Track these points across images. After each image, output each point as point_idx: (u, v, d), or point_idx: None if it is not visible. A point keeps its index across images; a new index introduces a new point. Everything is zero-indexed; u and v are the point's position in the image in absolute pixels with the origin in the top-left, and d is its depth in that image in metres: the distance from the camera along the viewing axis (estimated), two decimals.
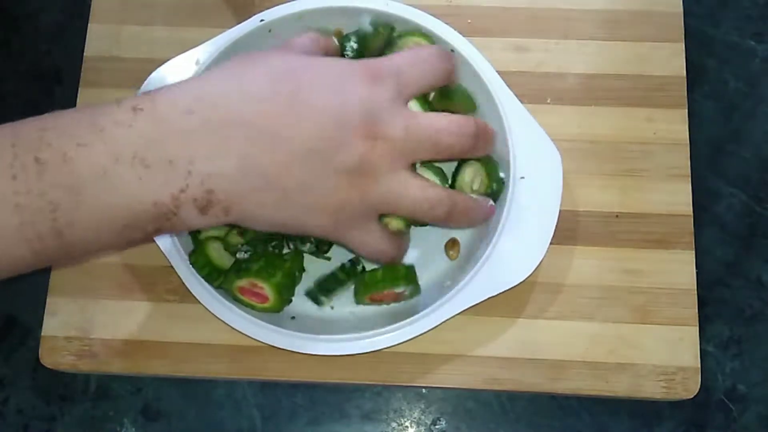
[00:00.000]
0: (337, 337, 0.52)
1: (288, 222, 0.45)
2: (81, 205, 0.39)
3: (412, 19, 0.57)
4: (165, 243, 0.53)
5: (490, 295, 0.51)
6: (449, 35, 0.57)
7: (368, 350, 0.51)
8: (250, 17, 0.58)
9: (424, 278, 0.55)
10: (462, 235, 0.56)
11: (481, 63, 0.56)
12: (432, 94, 0.54)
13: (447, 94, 0.54)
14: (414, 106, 0.51)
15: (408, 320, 0.51)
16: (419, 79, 0.47)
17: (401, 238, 0.51)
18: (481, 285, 0.52)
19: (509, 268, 0.52)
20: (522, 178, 0.54)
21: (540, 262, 0.52)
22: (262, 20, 0.57)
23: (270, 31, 0.58)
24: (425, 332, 0.51)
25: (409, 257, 0.55)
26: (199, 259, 0.52)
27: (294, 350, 0.51)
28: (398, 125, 0.44)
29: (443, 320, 0.51)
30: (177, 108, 0.41)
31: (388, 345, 0.51)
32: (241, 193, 0.42)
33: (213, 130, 0.40)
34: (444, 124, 0.46)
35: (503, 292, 0.51)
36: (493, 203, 0.52)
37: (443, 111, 0.50)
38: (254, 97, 0.42)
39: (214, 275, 0.52)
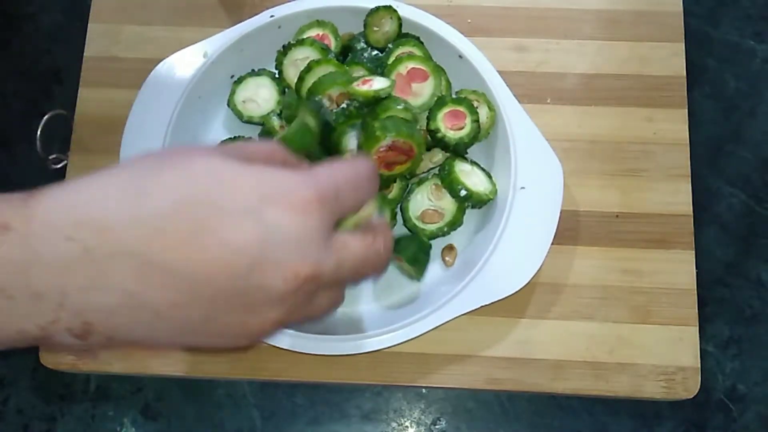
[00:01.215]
0: (337, 337, 0.52)
1: (188, 345, 0.41)
2: None
3: (416, 21, 0.57)
4: None
5: (486, 303, 0.52)
6: (453, 37, 0.57)
7: (368, 350, 0.51)
8: (251, 16, 0.58)
9: (422, 283, 0.55)
10: (459, 242, 0.56)
11: (488, 70, 0.56)
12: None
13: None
14: None
15: (407, 321, 0.51)
16: (354, 201, 0.40)
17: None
18: (477, 292, 0.52)
19: (506, 277, 0.52)
20: (522, 188, 0.54)
21: (536, 272, 0.52)
22: (272, 16, 0.58)
23: (280, 27, 0.58)
24: (424, 333, 0.51)
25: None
26: None
27: (294, 350, 0.51)
28: (328, 262, 0.37)
29: (440, 323, 0.51)
30: (53, 232, 0.34)
31: (388, 345, 0.51)
32: (125, 326, 0.36)
33: (94, 261, 0.34)
34: (371, 254, 0.40)
35: (499, 300, 0.52)
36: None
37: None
38: (151, 223, 0.34)
39: None
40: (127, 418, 0.57)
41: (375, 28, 0.57)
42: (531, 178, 0.54)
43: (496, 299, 0.52)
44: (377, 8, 0.57)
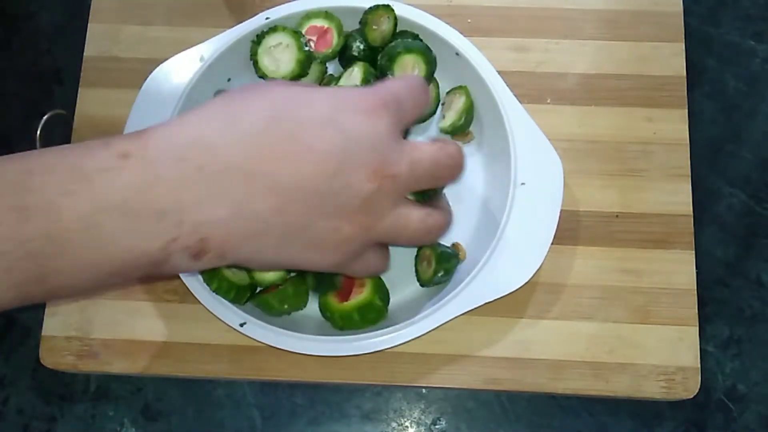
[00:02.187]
0: (337, 338, 0.52)
1: (288, 263, 0.43)
2: (65, 255, 0.37)
3: (415, 20, 0.57)
4: None
5: (487, 301, 0.51)
6: (453, 37, 0.57)
7: (368, 351, 0.51)
8: (251, 16, 0.58)
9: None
10: (463, 240, 0.56)
11: (485, 66, 0.56)
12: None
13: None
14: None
15: (407, 321, 0.51)
16: (414, 107, 0.45)
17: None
18: (479, 290, 0.52)
19: (508, 274, 0.52)
20: (522, 184, 0.54)
21: (538, 269, 0.52)
22: (267, 18, 0.58)
23: None
24: (424, 334, 0.51)
25: (408, 262, 0.55)
26: (222, 284, 0.51)
27: (295, 351, 0.51)
28: (403, 162, 0.42)
29: (440, 324, 0.51)
30: (168, 154, 0.38)
31: (388, 346, 0.51)
32: (237, 239, 0.40)
33: (206, 177, 0.38)
34: (441, 156, 0.44)
35: (499, 298, 0.52)
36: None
37: None
38: (249, 140, 0.39)
39: (240, 294, 0.52)
40: (127, 418, 0.57)
41: (374, 27, 0.57)
42: (531, 174, 0.54)
43: (498, 296, 0.51)
44: (377, 6, 0.57)
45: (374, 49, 0.58)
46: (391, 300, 0.54)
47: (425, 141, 0.44)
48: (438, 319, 0.51)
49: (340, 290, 0.52)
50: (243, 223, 0.40)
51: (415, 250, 0.55)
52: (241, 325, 0.52)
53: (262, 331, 0.51)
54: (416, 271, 0.54)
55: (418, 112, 0.45)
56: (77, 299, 0.57)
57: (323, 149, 0.40)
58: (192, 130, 0.40)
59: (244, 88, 0.43)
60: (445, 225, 0.47)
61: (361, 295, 0.51)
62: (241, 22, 0.59)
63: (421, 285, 0.54)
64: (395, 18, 0.57)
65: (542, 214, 0.53)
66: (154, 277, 0.54)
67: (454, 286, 0.52)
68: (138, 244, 0.38)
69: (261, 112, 0.40)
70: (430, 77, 0.56)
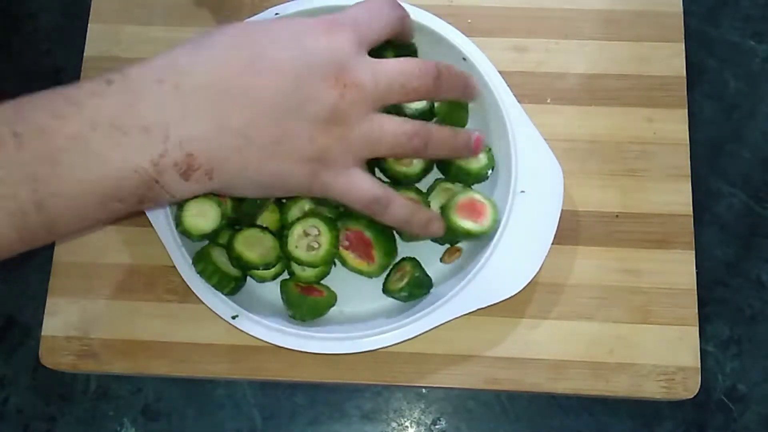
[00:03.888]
0: (336, 336, 0.52)
1: (271, 180, 0.45)
2: (61, 175, 0.39)
3: (417, 20, 0.57)
4: (168, 243, 0.53)
5: (483, 306, 0.51)
6: (455, 37, 0.57)
7: (367, 349, 0.51)
8: (249, 17, 0.58)
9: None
10: (461, 243, 0.56)
11: (490, 72, 0.56)
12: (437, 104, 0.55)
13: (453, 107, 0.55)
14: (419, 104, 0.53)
15: (407, 320, 0.51)
16: (376, 27, 0.48)
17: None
18: (475, 294, 0.52)
19: (504, 279, 0.52)
20: (522, 192, 0.54)
21: (534, 276, 0.52)
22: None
23: None
24: (424, 333, 0.51)
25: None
26: (207, 267, 0.51)
27: (295, 349, 0.51)
28: (365, 71, 0.45)
29: (440, 323, 0.51)
30: (147, 78, 0.42)
31: (388, 345, 0.51)
32: (221, 154, 0.43)
33: (184, 95, 0.41)
34: (408, 68, 0.47)
35: (494, 304, 0.51)
36: (479, 135, 0.52)
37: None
38: (219, 61, 0.43)
39: (224, 282, 0.52)
40: (127, 418, 0.57)
41: None
42: (531, 182, 0.54)
43: (493, 302, 0.52)
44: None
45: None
46: (387, 301, 0.54)
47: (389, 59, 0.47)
48: (438, 319, 0.51)
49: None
50: (224, 138, 0.42)
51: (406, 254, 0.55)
52: (233, 317, 0.52)
53: (263, 330, 0.51)
54: (388, 274, 0.55)
55: (382, 28, 0.48)
56: (82, 234, 0.56)
57: (285, 64, 0.43)
58: (167, 57, 0.43)
59: (214, 28, 0.46)
60: (425, 133, 0.48)
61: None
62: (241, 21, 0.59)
63: (383, 290, 0.55)
64: None
65: (541, 221, 0.53)
66: (155, 208, 0.54)
67: (452, 288, 0.52)
68: (129, 160, 0.40)
69: (227, 38, 0.44)
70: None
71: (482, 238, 0.53)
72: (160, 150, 0.41)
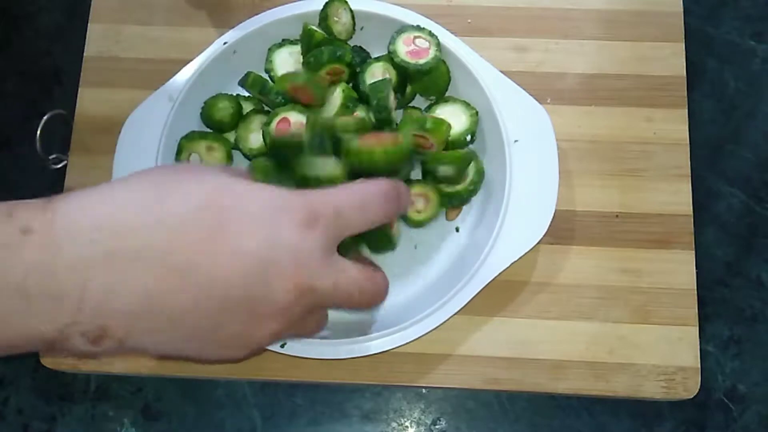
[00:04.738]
0: (337, 341, 0.52)
1: (193, 356, 0.40)
2: None
3: (369, 10, 0.58)
4: None
5: (508, 265, 0.52)
6: (404, 16, 0.58)
7: (369, 353, 0.51)
8: (249, 17, 0.59)
9: (428, 275, 0.55)
10: (466, 208, 0.57)
11: (454, 42, 0.57)
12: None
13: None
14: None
15: (410, 321, 0.51)
16: (359, 224, 0.41)
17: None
18: (497, 255, 0.52)
19: (520, 235, 0.53)
20: (516, 141, 0.54)
21: (548, 226, 0.53)
22: (225, 43, 0.58)
23: (235, 52, 0.58)
24: (424, 334, 0.51)
25: (409, 253, 0.55)
26: None
27: (295, 355, 0.51)
28: (328, 281, 0.39)
29: (479, 289, 0.52)
30: (76, 235, 0.35)
31: (390, 347, 0.51)
32: (140, 331, 0.37)
33: (116, 262, 0.35)
34: (368, 286, 0.42)
35: (520, 258, 0.52)
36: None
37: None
38: (171, 227, 0.36)
39: None
40: (127, 418, 0.57)
41: (335, 19, 0.58)
42: (521, 130, 0.55)
43: (518, 257, 0.52)
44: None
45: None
46: (393, 298, 0.54)
47: (354, 265, 0.41)
48: (470, 290, 0.52)
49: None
50: (150, 316, 0.36)
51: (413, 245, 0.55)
52: None
53: None
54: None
55: (365, 224, 0.41)
56: None
57: (247, 252, 0.37)
58: (109, 207, 0.36)
59: (178, 168, 0.41)
60: (325, 322, 0.47)
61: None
62: (239, 22, 0.59)
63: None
64: (350, 9, 0.58)
65: (542, 165, 0.54)
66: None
67: (476, 258, 0.53)
68: (33, 326, 0.35)
69: (190, 199, 0.37)
70: (402, 86, 0.57)
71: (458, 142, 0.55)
72: (67, 320, 0.35)
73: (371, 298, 0.43)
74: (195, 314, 0.37)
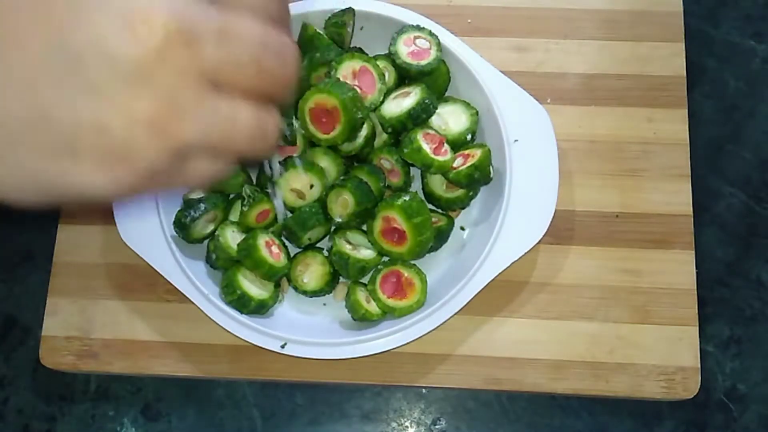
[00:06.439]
0: (337, 341, 0.52)
1: (51, 174, 0.27)
2: None
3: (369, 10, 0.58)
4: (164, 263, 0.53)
5: (508, 265, 0.52)
6: (401, 15, 0.58)
7: (370, 353, 0.51)
8: None
9: (429, 275, 0.55)
10: (470, 209, 0.57)
11: (454, 42, 0.57)
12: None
13: None
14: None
15: (412, 320, 0.51)
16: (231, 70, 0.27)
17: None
18: (497, 255, 0.52)
19: (520, 235, 0.53)
20: (516, 141, 0.54)
21: (548, 226, 0.52)
22: None
23: None
24: (426, 333, 0.51)
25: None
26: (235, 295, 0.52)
27: (294, 355, 0.51)
28: (207, 19, 0.27)
29: (479, 289, 0.52)
30: None
31: (393, 347, 0.51)
32: None
33: None
34: (264, 30, 0.29)
35: (523, 255, 0.52)
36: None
37: None
38: None
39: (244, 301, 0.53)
40: (127, 418, 0.57)
41: (349, 30, 0.58)
42: (521, 130, 0.55)
43: (521, 254, 0.52)
44: (349, 9, 0.57)
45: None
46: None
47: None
48: (470, 290, 0.52)
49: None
50: None
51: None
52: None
53: (263, 338, 0.52)
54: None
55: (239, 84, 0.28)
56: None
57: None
58: None
59: None
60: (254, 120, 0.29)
61: None
62: None
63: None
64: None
65: (542, 164, 0.54)
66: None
67: (476, 258, 0.52)
68: None
69: None
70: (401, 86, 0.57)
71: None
72: None
73: (279, 59, 0.28)
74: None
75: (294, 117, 0.53)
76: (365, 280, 0.55)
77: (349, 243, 0.54)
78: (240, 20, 0.27)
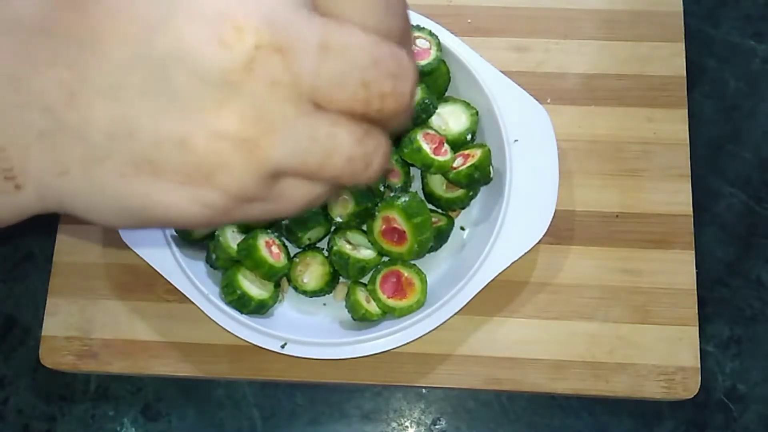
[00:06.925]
0: (338, 341, 0.52)
1: (138, 207, 0.25)
2: None
3: None
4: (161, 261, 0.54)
5: (508, 265, 0.52)
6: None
7: (371, 353, 0.51)
8: None
9: (429, 275, 0.55)
10: (470, 209, 0.57)
11: (454, 42, 0.57)
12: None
13: None
14: None
15: (414, 319, 0.51)
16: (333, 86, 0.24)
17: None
18: (497, 255, 0.52)
19: (520, 235, 0.53)
20: (516, 141, 0.55)
21: (548, 226, 0.52)
22: None
23: None
24: (426, 333, 0.51)
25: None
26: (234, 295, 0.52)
27: (294, 355, 0.51)
28: (306, 27, 0.23)
29: (479, 289, 0.52)
30: None
31: (393, 347, 0.51)
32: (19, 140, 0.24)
33: None
34: (384, 55, 0.25)
35: (523, 255, 0.52)
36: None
37: None
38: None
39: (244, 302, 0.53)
40: (127, 418, 0.57)
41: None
42: (521, 130, 0.55)
43: (521, 254, 0.52)
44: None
45: None
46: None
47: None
48: (470, 290, 0.52)
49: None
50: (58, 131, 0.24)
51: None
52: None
53: (263, 338, 0.52)
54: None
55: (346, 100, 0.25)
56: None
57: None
58: None
59: None
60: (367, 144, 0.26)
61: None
62: None
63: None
64: None
65: (542, 164, 0.54)
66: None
67: (476, 258, 0.52)
68: None
69: None
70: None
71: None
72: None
73: (390, 97, 0.25)
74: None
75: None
76: (365, 280, 0.55)
77: (349, 243, 0.54)
78: (347, 32, 0.24)
